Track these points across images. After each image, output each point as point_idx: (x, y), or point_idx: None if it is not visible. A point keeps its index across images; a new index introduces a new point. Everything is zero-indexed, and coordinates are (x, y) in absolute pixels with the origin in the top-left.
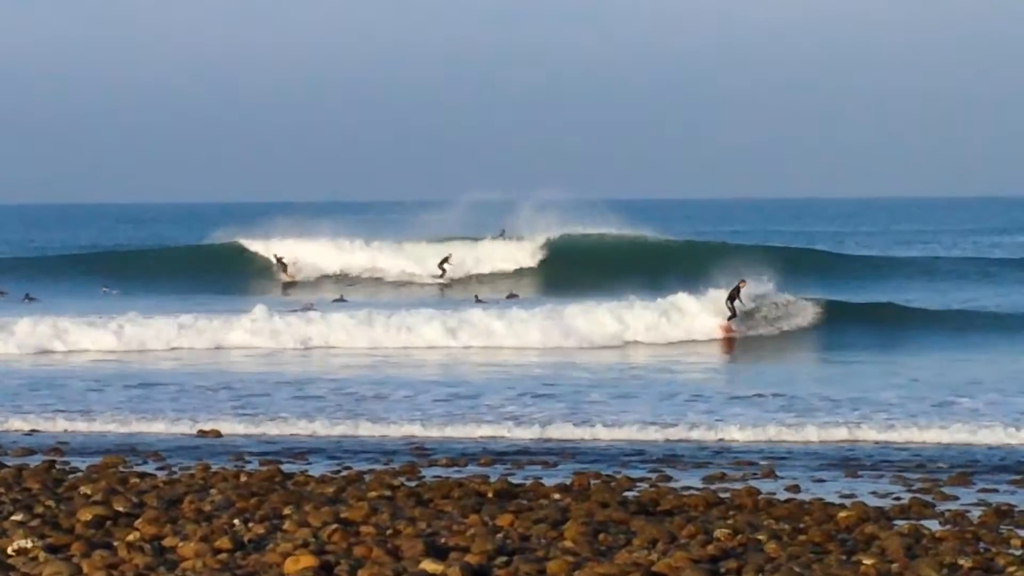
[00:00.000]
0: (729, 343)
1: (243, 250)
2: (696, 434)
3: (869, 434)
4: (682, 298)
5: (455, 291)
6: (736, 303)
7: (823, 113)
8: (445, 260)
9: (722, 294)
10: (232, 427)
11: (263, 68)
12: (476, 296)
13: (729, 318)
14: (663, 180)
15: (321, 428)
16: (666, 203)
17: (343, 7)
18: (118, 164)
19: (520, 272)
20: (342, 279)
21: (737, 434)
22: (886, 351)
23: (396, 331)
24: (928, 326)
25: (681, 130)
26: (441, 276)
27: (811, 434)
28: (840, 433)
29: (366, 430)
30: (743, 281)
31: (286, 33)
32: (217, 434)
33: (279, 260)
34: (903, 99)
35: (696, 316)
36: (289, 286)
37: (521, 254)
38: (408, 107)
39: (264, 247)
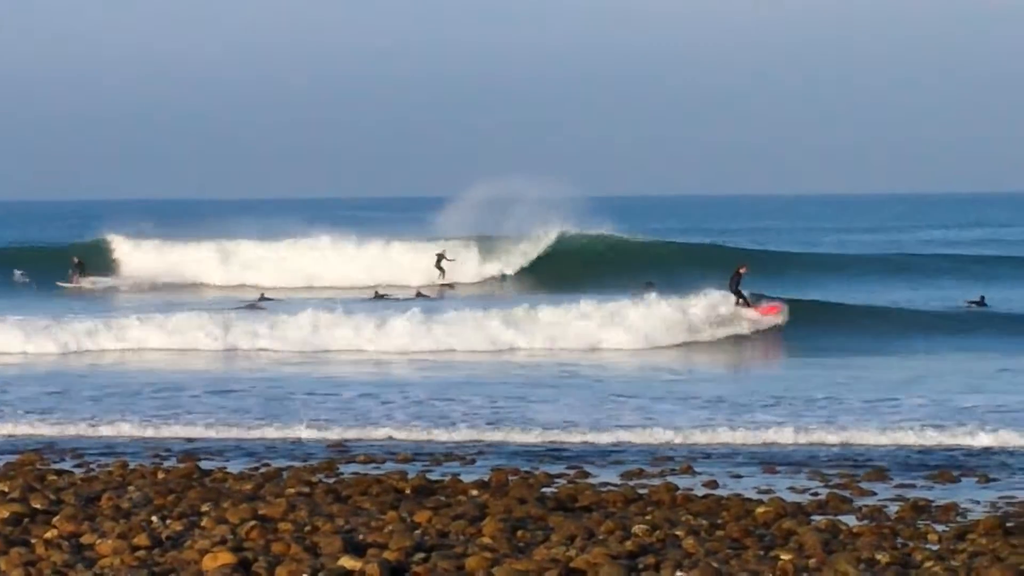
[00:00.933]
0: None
1: (110, 249)
2: (609, 435)
3: (791, 435)
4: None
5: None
6: (740, 286)
7: (819, 112)
8: (440, 259)
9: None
10: (153, 427)
11: (252, 67)
12: (376, 292)
13: (738, 303)
14: (648, 179)
15: (239, 427)
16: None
17: (336, 6)
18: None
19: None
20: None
21: (662, 435)
22: (816, 351)
23: (308, 332)
24: (853, 323)
25: (661, 129)
26: (441, 276)
27: (735, 436)
28: (764, 434)
29: (283, 431)
30: (743, 266)
31: (276, 32)
32: (138, 435)
33: (78, 263)
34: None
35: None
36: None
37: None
38: (400, 106)
39: (133, 246)
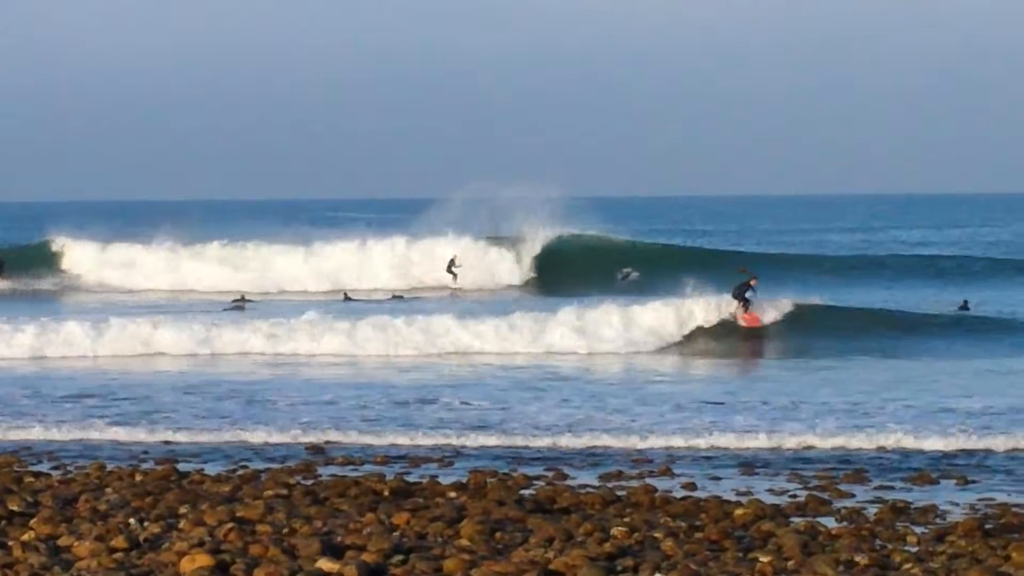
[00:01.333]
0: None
1: (58, 253)
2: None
3: (770, 437)
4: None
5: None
6: (748, 295)
7: (820, 112)
8: (452, 263)
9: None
10: (130, 429)
11: (245, 67)
12: (345, 294)
13: (742, 306)
14: (635, 180)
15: (217, 430)
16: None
17: (327, 7)
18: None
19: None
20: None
21: (642, 437)
22: (796, 352)
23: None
24: (835, 325)
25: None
26: (454, 281)
27: (714, 438)
28: (743, 436)
29: (260, 433)
30: (754, 278)
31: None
32: (115, 438)
33: None
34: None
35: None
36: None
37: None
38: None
39: (94, 249)
